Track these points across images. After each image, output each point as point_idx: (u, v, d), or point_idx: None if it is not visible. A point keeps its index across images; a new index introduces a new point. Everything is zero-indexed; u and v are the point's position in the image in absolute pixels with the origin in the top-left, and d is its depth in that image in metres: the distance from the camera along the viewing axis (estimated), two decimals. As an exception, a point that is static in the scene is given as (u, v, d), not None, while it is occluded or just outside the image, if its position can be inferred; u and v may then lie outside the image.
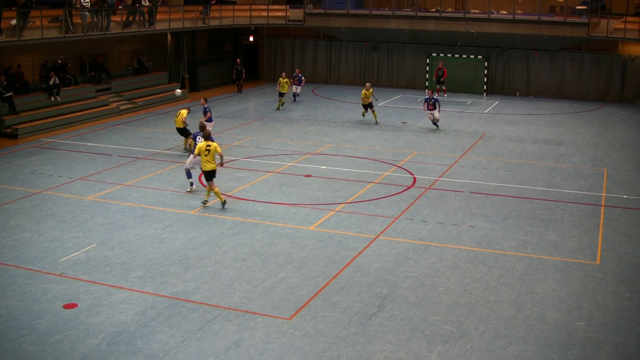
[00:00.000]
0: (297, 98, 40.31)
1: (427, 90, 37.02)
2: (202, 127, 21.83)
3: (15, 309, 14.39)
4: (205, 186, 21.48)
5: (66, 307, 14.48)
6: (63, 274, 16.09)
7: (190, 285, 15.49)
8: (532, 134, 32.17)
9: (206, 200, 21.00)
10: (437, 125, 32.48)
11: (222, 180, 23.34)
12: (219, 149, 20.69)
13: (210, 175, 20.53)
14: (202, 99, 28.26)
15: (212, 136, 21.49)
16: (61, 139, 30.24)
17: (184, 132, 26.81)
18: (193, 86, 44.45)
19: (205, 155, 20.36)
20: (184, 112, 26.60)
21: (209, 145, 20.48)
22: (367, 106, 33.65)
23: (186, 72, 43.74)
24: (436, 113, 32.06)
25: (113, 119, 35.16)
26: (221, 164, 21.13)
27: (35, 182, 23.33)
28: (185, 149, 26.81)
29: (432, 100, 31.95)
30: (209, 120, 27.28)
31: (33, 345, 12.98)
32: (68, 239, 18.31)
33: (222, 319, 14.00)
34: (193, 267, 16.54)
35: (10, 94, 31.66)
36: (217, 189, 20.67)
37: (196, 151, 20.91)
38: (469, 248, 17.87)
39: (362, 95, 33.60)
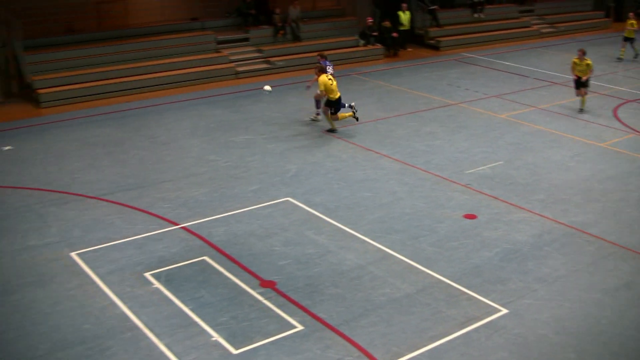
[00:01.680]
0: None
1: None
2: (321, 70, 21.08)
3: (420, 210, 15.49)
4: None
5: (466, 217, 15.20)
6: (468, 185, 16.86)
7: (590, 217, 15.29)
8: None
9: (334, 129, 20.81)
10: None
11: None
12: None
13: (337, 104, 20.63)
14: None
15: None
16: (480, 55, 30.98)
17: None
18: (618, 16, 40.45)
19: (331, 85, 20.36)
20: (588, 61, 22.64)
21: (330, 77, 20.47)
22: None
23: (612, 1, 41.45)
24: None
25: (533, 40, 35.04)
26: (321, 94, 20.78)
27: (452, 94, 24.37)
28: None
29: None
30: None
31: (431, 247, 13.88)
32: (476, 153, 19.02)
33: (617, 257, 13.65)
34: (595, 200, 16.25)
35: (435, 7, 33.02)
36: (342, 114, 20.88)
37: (322, 87, 20.39)
38: None
39: None
